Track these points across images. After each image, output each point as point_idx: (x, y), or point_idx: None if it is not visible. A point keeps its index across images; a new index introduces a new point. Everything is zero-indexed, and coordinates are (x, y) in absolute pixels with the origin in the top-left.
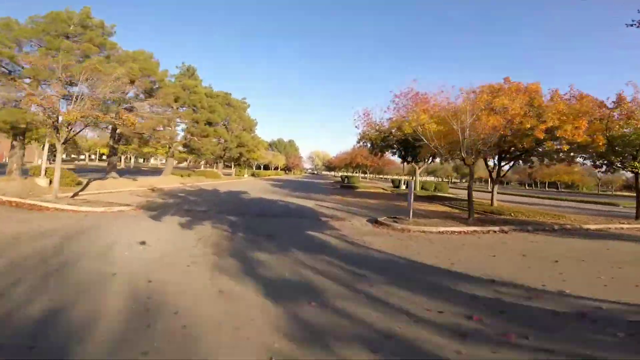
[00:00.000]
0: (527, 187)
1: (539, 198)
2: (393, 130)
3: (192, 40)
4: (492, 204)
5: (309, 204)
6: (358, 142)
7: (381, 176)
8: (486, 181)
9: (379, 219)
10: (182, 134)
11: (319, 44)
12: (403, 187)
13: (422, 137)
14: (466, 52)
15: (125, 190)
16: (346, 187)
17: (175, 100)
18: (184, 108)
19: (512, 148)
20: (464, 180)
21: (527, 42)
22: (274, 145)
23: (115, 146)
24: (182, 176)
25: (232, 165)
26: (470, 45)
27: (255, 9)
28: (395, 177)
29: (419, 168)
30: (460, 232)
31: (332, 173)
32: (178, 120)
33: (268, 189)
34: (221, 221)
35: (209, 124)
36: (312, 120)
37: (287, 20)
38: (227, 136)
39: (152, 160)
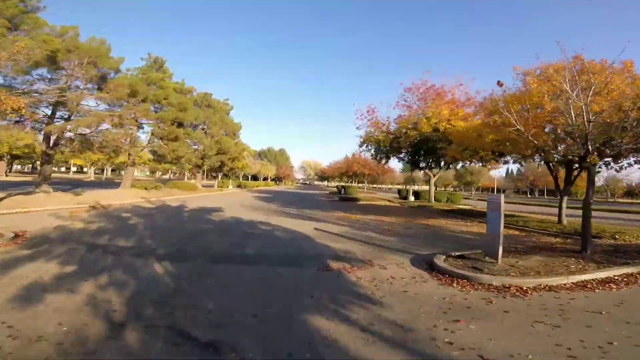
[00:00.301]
0: (528, 195)
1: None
2: (405, 130)
3: (172, 39)
4: (560, 222)
5: (305, 227)
6: (360, 146)
7: (375, 186)
8: (486, 190)
9: (437, 260)
10: (143, 137)
11: (312, 46)
12: (411, 198)
13: (448, 134)
14: (463, 56)
15: (50, 209)
16: (345, 199)
17: (133, 95)
18: (153, 106)
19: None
20: (459, 190)
21: (528, 41)
22: (263, 155)
23: (50, 152)
24: (146, 189)
25: (219, 176)
26: (467, 48)
27: (239, 9)
28: (401, 186)
29: (434, 176)
30: (615, 285)
31: (325, 183)
32: (143, 121)
33: (252, 203)
34: (127, 278)
35: (180, 125)
36: (303, 129)
37: (278, 24)
38: (206, 141)
39: (135, 173)
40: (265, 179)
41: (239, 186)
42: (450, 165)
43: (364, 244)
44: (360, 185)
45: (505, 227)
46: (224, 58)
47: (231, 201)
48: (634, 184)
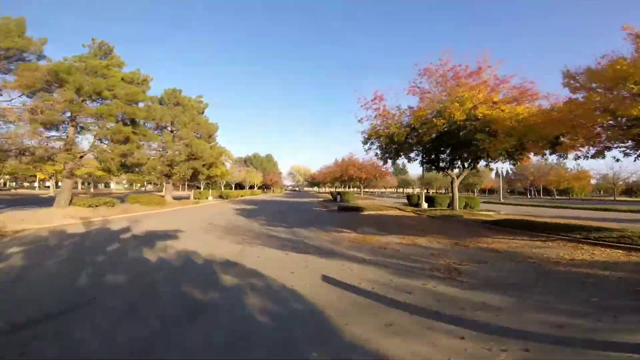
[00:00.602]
0: (528, 196)
1: (589, 210)
2: (425, 120)
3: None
4: None
5: (306, 276)
6: (365, 143)
7: (369, 190)
8: (489, 191)
9: None
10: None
11: (306, 48)
12: (424, 205)
13: (492, 122)
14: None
15: None
16: (346, 209)
17: (61, 85)
18: (97, 102)
19: None
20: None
21: (528, 41)
22: (249, 161)
23: None
24: (91, 207)
25: (200, 186)
26: (467, 48)
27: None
28: (392, 190)
29: (458, 178)
30: None
31: (315, 189)
32: (86, 118)
33: (227, 221)
34: None
35: (133, 123)
36: (292, 135)
37: (268, 26)
38: (172, 144)
39: (112, 185)
40: (251, 187)
41: (220, 196)
42: (475, 164)
43: (462, 330)
44: (354, 190)
45: (621, 248)
46: (211, 62)
47: (200, 218)
48: (631, 181)
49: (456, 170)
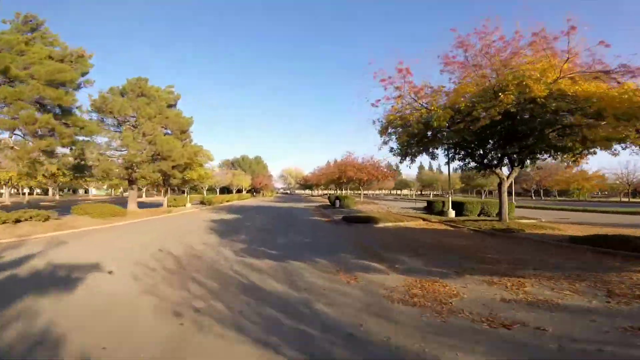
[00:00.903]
0: (533, 197)
1: (631, 214)
2: (497, 92)
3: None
4: None
5: None
6: (382, 133)
7: (366, 193)
8: (488, 193)
9: None
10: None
11: (304, 50)
12: (452, 213)
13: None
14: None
15: None
16: (353, 219)
17: None
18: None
19: None
20: (441, 193)
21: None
22: (237, 164)
23: None
24: (6, 223)
25: (186, 191)
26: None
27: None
28: (386, 191)
29: (508, 178)
30: None
31: (308, 191)
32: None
33: (187, 246)
34: None
35: (64, 111)
36: (284, 137)
37: (251, 23)
38: (132, 141)
39: (94, 191)
40: (239, 190)
41: (202, 202)
42: (537, 160)
43: None
44: (353, 193)
45: None
46: (210, 62)
47: (152, 240)
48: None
49: (505, 169)
